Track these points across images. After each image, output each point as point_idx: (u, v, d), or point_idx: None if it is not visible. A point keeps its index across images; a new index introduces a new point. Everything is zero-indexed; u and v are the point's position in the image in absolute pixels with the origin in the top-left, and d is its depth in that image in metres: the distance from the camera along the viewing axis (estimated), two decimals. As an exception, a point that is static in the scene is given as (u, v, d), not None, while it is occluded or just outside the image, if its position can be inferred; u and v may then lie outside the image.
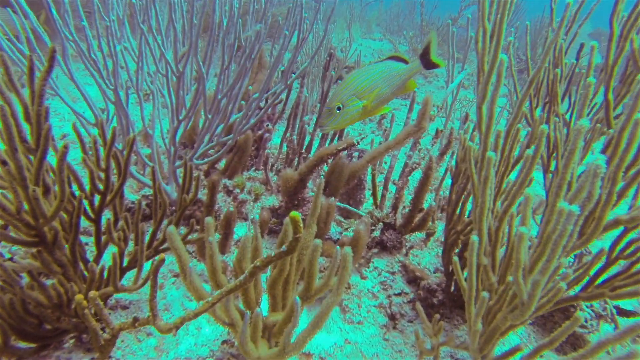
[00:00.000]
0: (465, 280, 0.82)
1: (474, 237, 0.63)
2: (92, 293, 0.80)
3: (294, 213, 0.78)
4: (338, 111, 1.25)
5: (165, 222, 1.27)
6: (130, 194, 1.52)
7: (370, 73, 1.28)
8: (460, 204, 1.25)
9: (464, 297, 0.80)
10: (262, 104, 1.52)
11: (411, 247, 1.58)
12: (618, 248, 1.02)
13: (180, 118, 1.21)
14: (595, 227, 0.76)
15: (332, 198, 1.27)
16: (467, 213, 1.31)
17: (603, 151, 0.90)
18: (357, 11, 5.98)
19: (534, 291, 0.56)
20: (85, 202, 1.04)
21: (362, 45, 5.28)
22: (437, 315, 1.13)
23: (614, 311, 1.46)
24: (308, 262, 0.92)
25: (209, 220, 0.87)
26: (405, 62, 1.34)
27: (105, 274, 1.06)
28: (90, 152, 1.00)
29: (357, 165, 1.36)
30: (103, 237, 1.11)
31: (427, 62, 1.34)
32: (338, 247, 0.86)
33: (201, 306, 0.85)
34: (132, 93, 1.31)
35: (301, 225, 0.78)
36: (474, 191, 0.86)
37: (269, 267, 1.08)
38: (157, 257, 1.16)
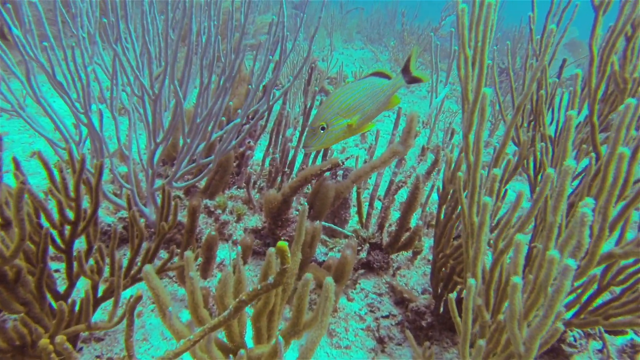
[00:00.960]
0: (460, 308, 0.79)
1: (471, 281, 0.60)
2: (59, 338, 0.74)
3: (280, 243, 0.74)
4: (322, 131, 1.22)
5: (144, 245, 1.21)
6: (107, 217, 1.46)
7: (354, 91, 1.25)
8: (448, 226, 1.23)
9: (458, 333, 0.77)
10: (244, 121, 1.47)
11: (398, 268, 1.55)
12: (609, 274, 1.00)
13: (158, 141, 1.16)
14: (589, 262, 0.74)
15: (317, 221, 1.23)
16: (455, 226, 1.29)
17: (592, 180, 0.88)
18: (337, 19, 5.98)
19: (531, 345, 0.53)
20: (55, 232, 0.98)
21: (343, 54, 5.27)
22: (427, 343, 1.10)
23: (602, 329, 1.45)
24: (297, 297, 0.88)
25: (188, 254, 0.82)
26: (388, 77, 1.33)
27: (78, 306, 1.00)
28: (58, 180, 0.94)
29: (342, 186, 1.32)
30: (76, 266, 1.05)
31: (410, 78, 1.33)
32: (328, 279, 0.82)
33: (182, 345, 0.80)
34: (106, 109, 1.25)
35: (288, 255, 0.74)
36: (464, 227, 0.83)
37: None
38: (136, 285, 1.10)
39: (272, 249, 0.89)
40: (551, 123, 1.49)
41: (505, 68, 4.09)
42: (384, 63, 4.75)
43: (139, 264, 1.20)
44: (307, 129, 1.20)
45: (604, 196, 0.70)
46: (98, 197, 0.90)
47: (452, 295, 0.75)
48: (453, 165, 1.26)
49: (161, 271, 1.18)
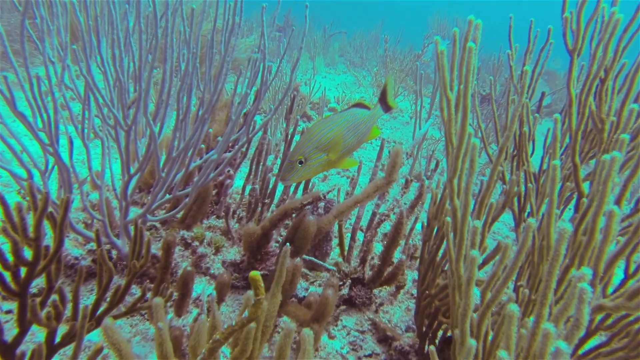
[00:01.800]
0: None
1: (471, 342, 0.56)
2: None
3: (253, 273, 0.71)
4: (300, 165, 1.19)
5: (116, 279, 1.15)
6: (75, 249, 1.38)
7: (334, 124, 1.23)
8: (433, 265, 1.19)
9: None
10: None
11: (381, 304, 1.50)
12: (598, 318, 0.98)
13: (132, 172, 1.10)
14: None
15: (298, 258, 1.19)
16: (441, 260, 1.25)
17: (577, 226, 0.85)
18: (320, 42, 6.02)
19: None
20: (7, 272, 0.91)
21: (326, 77, 5.29)
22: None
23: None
24: (278, 348, 0.82)
25: (156, 302, 0.76)
26: (368, 108, 1.32)
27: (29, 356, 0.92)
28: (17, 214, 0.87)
29: (323, 222, 1.28)
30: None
31: (385, 106, 1.33)
32: (305, 331, 0.77)
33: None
34: (77, 136, 1.20)
35: (262, 285, 0.71)
36: (451, 276, 0.80)
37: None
38: (96, 331, 1.02)
39: (250, 292, 0.85)
40: (532, 154, 1.49)
41: (486, 95, 4.14)
42: (366, 88, 4.78)
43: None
44: (285, 161, 1.17)
45: (594, 254, 0.68)
46: (62, 236, 0.84)
47: (432, 349, 0.71)
48: (438, 201, 1.23)
49: (132, 311, 1.11)
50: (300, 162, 1.18)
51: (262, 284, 0.71)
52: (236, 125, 1.12)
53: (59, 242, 0.85)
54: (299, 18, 6.26)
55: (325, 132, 1.21)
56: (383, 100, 1.33)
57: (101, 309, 1.07)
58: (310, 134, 1.20)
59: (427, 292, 1.19)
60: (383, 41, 4.59)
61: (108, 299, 1.10)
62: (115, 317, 1.12)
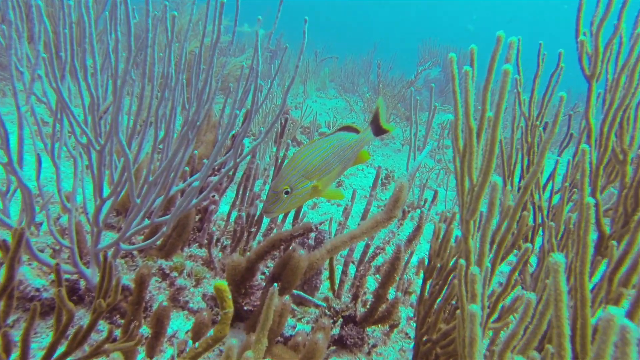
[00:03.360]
0: None
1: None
2: None
3: (218, 283, 0.64)
4: (286, 195, 1.10)
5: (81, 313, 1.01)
6: (37, 279, 1.25)
7: (320, 149, 1.15)
8: (434, 307, 1.08)
9: None
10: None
11: (374, 346, 1.38)
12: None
13: (104, 197, 0.99)
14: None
15: (287, 297, 1.07)
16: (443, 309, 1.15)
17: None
18: (312, 67, 5.99)
19: None
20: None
21: (316, 102, 5.24)
22: None
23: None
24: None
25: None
26: (357, 131, 1.24)
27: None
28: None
29: (315, 257, 1.17)
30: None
31: (377, 129, 1.26)
32: None
33: None
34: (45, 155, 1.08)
35: (228, 297, 0.66)
36: (461, 328, 0.69)
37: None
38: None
39: (233, 341, 0.73)
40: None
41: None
42: (358, 114, 4.72)
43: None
44: (269, 192, 1.08)
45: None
46: (12, 272, 0.72)
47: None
48: (442, 236, 1.14)
49: (95, 354, 0.98)
50: (287, 193, 1.10)
51: (229, 295, 0.65)
52: (223, 147, 1.02)
53: (9, 278, 0.73)
54: (292, 41, 6.24)
55: (310, 159, 1.13)
56: (375, 122, 1.26)
57: (58, 352, 0.94)
58: (295, 162, 1.12)
59: (426, 337, 1.08)
60: (375, 67, 4.56)
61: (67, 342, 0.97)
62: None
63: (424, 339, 1.09)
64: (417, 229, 1.31)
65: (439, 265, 1.11)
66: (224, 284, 0.63)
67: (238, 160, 1.07)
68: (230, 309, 0.62)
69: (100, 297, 0.91)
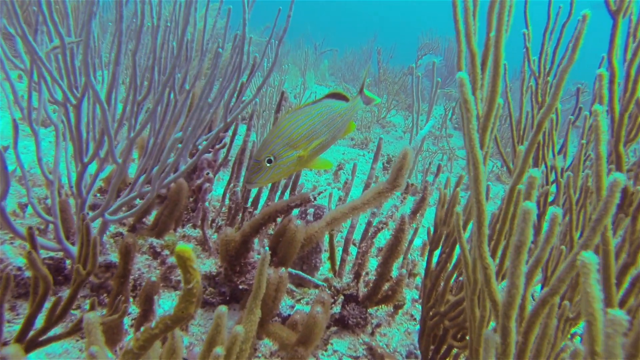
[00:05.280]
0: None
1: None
2: None
3: (180, 247, 0.49)
4: (269, 164, 1.01)
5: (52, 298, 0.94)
6: (19, 257, 1.18)
7: (307, 117, 1.06)
8: (441, 278, 1.01)
9: None
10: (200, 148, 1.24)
11: (378, 325, 1.31)
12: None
13: (86, 161, 0.91)
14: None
15: (283, 269, 1.00)
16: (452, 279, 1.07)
17: None
18: (312, 59, 5.91)
19: None
20: None
21: (316, 92, 5.16)
22: None
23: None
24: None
25: (89, 318, 0.56)
26: (346, 99, 1.16)
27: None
28: None
29: (313, 229, 1.10)
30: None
31: (366, 99, 1.20)
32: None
33: None
34: (24, 125, 1.01)
35: (192, 266, 0.50)
36: (468, 289, 0.62)
37: None
38: (35, 352, 0.83)
39: (223, 308, 0.66)
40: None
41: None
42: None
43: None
44: (250, 161, 0.99)
45: None
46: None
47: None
48: (447, 203, 1.06)
49: (77, 330, 0.91)
50: (269, 162, 1.01)
51: (193, 264, 0.50)
52: (216, 106, 0.95)
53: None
54: (289, 36, 6.17)
55: (296, 127, 1.04)
56: (362, 91, 1.20)
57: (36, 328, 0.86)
58: (280, 129, 1.03)
59: (434, 310, 1.00)
60: (376, 57, 4.48)
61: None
62: (58, 338, 0.92)
63: (430, 313, 1.01)
64: (422, 201, 1.23)
65: (444, 233, 1.03)
66: (186, 248, 0.49)
67: (229, 119, 1.00)
68: (196, 282, 0.49)
69: (80, 264, 0.84)
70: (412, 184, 1.37)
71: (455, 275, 0.99)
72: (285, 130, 1.03)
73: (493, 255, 0.72)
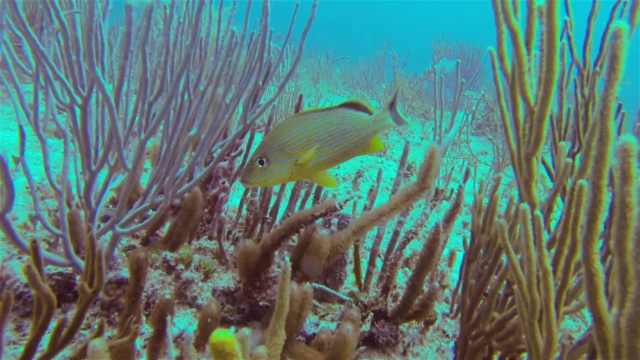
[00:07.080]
0: None
1: None
2: None
3: (218, 336, 0.39)
4: (260, 166, 0.92)
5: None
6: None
7: (310, 123, 0.95)
8: (483, 292, 0.91)
9: None
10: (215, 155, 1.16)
11: (410, 345, 1.21)
12: None
13: (94, 168, 0.84)
14: None
15: (307, 284, 0.91)
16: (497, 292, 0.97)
17: None
18: (324, 68, 5.86)
19: None
20: None
21: (329, 100, 5.11)
22: None
23: None
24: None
25: (94, 346, 0.48)
26: (367, 111, 1.03)
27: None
28: None
29: (340, 239, 1.01)
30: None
31: (396, 116, 1.05)
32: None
33: None
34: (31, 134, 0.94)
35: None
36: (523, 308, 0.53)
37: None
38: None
39: (246, 331, 0.58)
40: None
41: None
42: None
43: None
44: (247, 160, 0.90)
45: None
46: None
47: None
48: (484, 209, 0.97)
49: (83, 355, 0.83)
50: (261, 162, 0.92)
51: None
52: (234, 109, 0.87)
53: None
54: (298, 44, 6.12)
55: (295, 131, 0.94)
56: (394, 108, 1.05)
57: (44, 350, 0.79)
58: (277, 131, 0.93)
59: (476, 329, 0.91)
60: (390, 62, 4.40)
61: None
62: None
63: (473, 332, 0.91)
64: (455, 207, 1.14)
65: (484, 242, 0.94)
66: (229, 337, 0.39)
67: (248, 121, 0.92)
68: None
69: (86, 281, 0.76)
70: (442, 190, 1.27)
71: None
72: (281, 134, 0.93)
73: (554, 270, 0.63)
